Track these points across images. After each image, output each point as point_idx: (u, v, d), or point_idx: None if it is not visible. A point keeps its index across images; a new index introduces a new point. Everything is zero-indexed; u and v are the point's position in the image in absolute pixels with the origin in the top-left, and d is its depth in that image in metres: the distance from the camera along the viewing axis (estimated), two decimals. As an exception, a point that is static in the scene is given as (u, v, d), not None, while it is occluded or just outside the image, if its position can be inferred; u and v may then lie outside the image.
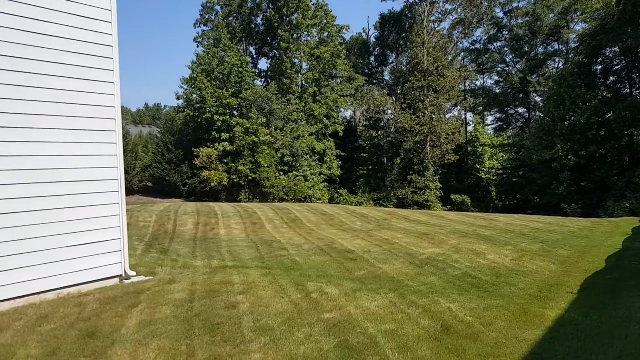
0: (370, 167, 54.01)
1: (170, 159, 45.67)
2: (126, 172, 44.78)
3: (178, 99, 50.34)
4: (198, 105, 45.82)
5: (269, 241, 15.17)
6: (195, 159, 44.19)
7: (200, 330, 6.37)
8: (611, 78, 42.27)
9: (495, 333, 6.76)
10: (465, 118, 61.11)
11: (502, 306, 8.21)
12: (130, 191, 45.68)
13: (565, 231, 18.18)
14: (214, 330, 6.39)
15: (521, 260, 12.59)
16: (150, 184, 47.68)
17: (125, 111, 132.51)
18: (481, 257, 12.95)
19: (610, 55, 40.80)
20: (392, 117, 49.70)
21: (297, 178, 44.70)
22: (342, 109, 54.47)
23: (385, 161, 52.91)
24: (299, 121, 46.58)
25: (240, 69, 45.87)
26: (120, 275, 8.91)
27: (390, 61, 59.14)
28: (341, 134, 48.64)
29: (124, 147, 44.28)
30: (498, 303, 8.43)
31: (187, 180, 45.52)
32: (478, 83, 61.13)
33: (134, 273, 9.22)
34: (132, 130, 64.14)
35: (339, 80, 52.55)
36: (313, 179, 45.66)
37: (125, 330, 6.31)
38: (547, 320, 7.50)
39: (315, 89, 49.69)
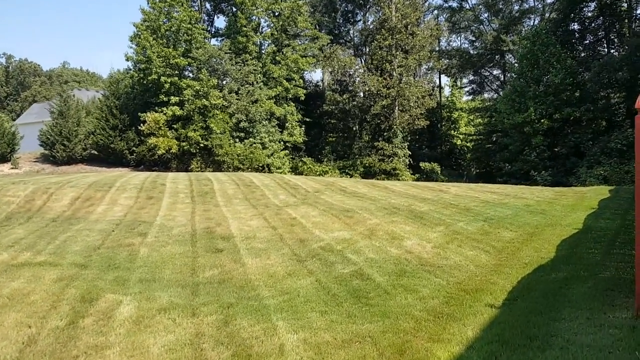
0: (339, 134, 50.65)
1: (115, 125, 41.77)
2: (67, 140, 41.32)
3: (127, 59, 46.17)
4: (143, 66, 41.78)
5: (140, 222, 11.95)
6: (141, 125, 40.50)
7: None
8: (589, 37, 39.00)
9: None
10: (440, 81, 57.79)
11: (371, 337, 5.19)
12: (73, 160, 42.04)
13: (520, 204, 15.18)
14: None
15: (446, 248, 9.54)
16: (95, 152, 43.93)
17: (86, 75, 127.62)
18: (396, 243, 9.88)
19: (588, 14, 37.51)
20: (358, 79, 46.09)
21: (254, 145, 41.26)
22: (307, 71, 50.67)
23: (354, 127, 49.49)
24: (256, 83, 42.86)
25: (189, 25, 41.78)
26: None
27: (358, 19, 55.17)
28: (303, 98, 44.95)
29: (63, 112, 40.57)
30: (369, 330, 5.41)
31: (134, 148, 41.82)
32: (453, 44, 57.64)
33: None
34: (78, 95, 59.88)
35: (302, 40, 48.60)
36: (272, 147, 42.23)
37: None
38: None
39: (275, 48, 45.82)
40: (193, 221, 12.19)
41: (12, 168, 39.34)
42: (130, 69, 45.47)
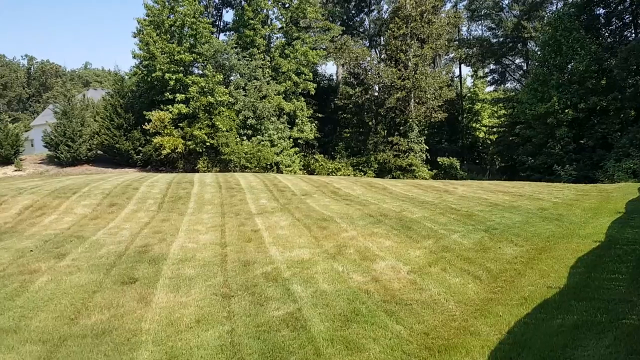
0: (353, 130, 48.39)
1: (120, 124, 40.39)
2: (72, 140, 40.05)
3: (134, 57, 44.78)
4: (147, 63, 40.28)
5: (75, 238, 10.15)
6: (147, 124, 39.01)
7: None
8: (615, 22, 35.94)
9: None
10: (460, 71, 55.06)
11: None
12: (78, 161, 40.79)
13: (533, 208, 12.94)
14: None
15: (426, 273, 7.50)
16: (100, 153, 42.66)
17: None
18: (363, 266, 7.88)
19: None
20: (372, 71, 43.75)
21: (262, 143, 39.41)
22: (319, 65, 48.65)
23: (369, 122, 47.16)
24: (264, 78, 40.98)
25: (194, 19, 40.08)
26: None
27: (373, 8, 52.81)
28: (313, 92, 42.84)
29: (67, 112, 39.41)
30: None
31: (140, 148, 40.38)
32: (474, 33, 54.89)
33: None
34: (93, 94, 58.98)
35: (313, 32, 46.42)
36: (281, 144, 40.32)
37: None
38: None
39: (284, 41, 43.87)
40: (136, 236, 10.34)
41: (16, 170, 38.34)
42: (134, 66, 44.08)
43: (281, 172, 39.07)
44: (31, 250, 9.31)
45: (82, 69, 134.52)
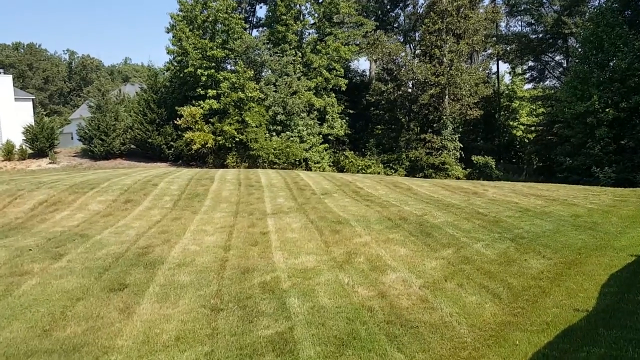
0: (385, 127, 47.39)
1: (153, 119, 40.59)
2: (105, 134, 40.41)
3: (168, 52, 44.96)
4: (179, 58, 40.31)
5: (79, 236, 9.84)
6: (178, 119, 39.05)
7: None
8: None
9: None
10: (498, 68, 53.39)
11: None
12: (111, 155, 41.16)
13: (566, 214, 12.03)
14: None
15: (440, 288, 6.83)
16: (133, 147, 42.97)
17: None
18: (372, 278, 7.25)
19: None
20: (405, 66, 42.69)
21: (291, 139, 38.93)
22: (351, 61, 47.81)
23: (402, 119, 46.07)
24: (294, 74, 40.45)
25: (226, 15, 39.86)
26: None
27: (408, 2, 51.63)
28: (344, 88, 42.06)
29: (101, 106, 39.84)
30: None
31: (171, 143, 40.50)
32: (513, 29, 53.10)
33: None
34: (130, 89, 59.63)
35: (346, 28, 45.59)
36: (310, 140, 39.75)
37: None
38: None
39: (316, 37, 43.26)
40: (141, 236, 9.95)
41: (50, 163, 38.92)
42: (168, 62, 44.17)
43: (310, 169, 38.56)
44: (30, 249, 9.02)
45: (122, 64, 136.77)
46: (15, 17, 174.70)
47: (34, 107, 57.77)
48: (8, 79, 55.63)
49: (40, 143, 40.22)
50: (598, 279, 7.33)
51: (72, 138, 57.30)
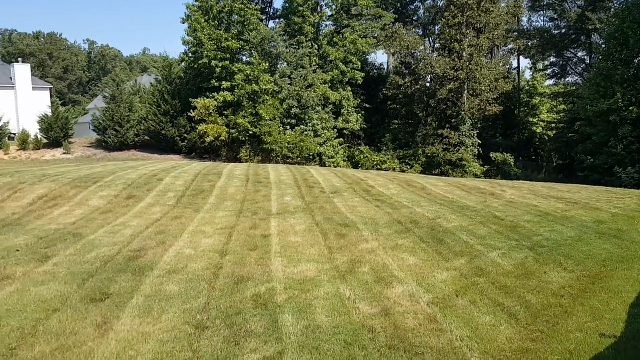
0: (402, 122, 46.49)
1: (167, 111, 40.26)
2: (119, 125, 40.17)
3: (183, 43, 44.56)
4: (194, 49, 39.89)
5: (72, 235, 9.38)
6: (192, 111, 38.66)
7: None
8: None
9: None
10: (519, 63, 52.10)
11: None
12: (125, 146, 40.93)
13: (589, 220, 11.30)
14: None
15: (450, 306, 6.23)
16: (147, 138, 42.73)
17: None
18: (376, 291, 6.67)
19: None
20: (424, 60, 41.75)
21: (305, 133, 38.35)
22: (368, 54, 47.00)
23: (419, 113, 45.13)
24: (310, 67, 39.80)
25: (242, 6, 39.29)
26: None
27: (428, -5, 50.60)
28: (361, 82, 41.29)
29: (116, 97, 39.63)
30: None
31: (185, 135, 40.16)
32: (536, 24, 51.75)
33: None
34: (147, 80, 59.52)
35: (364, 20, 44.70)
36: (325, 134, 39.13)
37: None
38: None
39: (333, 29, 42.54)
40: (136, 237, 9.46)
41: (65, 153, 38.83)
42: (183, 53, 43.79)
43: (324, 164, 37.98)
44: (17, 250, 8.57)
45: (141, 54, 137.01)
46: (37, 7, 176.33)
47: (52, 97, 57.96)
48: (26, 68, 55.81)
49: (55, 133, 40.15)
50: (626, 297, 6.65)
51: (89, 128, 57.43)
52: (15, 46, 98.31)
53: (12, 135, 43.60)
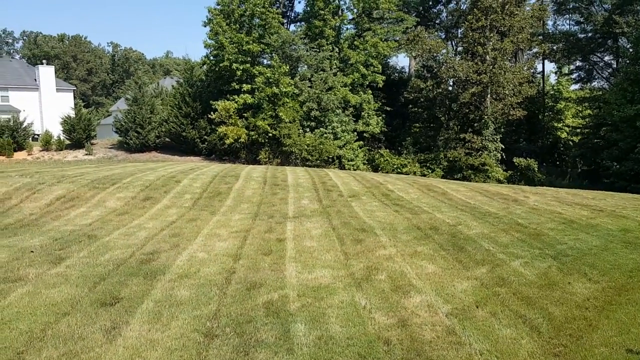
0: (423, 125, 45.98)
1: (188, 113, 40.48)
2: (141, 127, 40.47)
3: (205, 46, 44.83)
4: (215, 52, 40.05)
5: (87, 237, 9.30)
6: (212, 113, 38.78)
7: None
8: None
9: None
10: (544, 67, 51.29)
11: None
12: (146, 147, 41.25)
13: (615, 228, 10.92)
14: None
15: (469, 317, 5.98)
16: (168, 140, 42.99)
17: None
18: (393, 301, 6.43)
19: None
20: (446, 63, 41.29)
21: (325, 136, 38.18)
22: (390, 57, 46.66)
23: (441, 117, 44.61)
24: (330, 70, 39.65)
25: (263, 9, 39.32)
26: None
27: (450, -2, 50.11)
28: (381, 85, 40.99)
29: (137, 99, 39.93)
30: None
31: (205, 137, 40.32)
32: (561, 28, 50.93)
33: None
34: (169, 82, 60.01)
35: (386, 24, 44.37)
36: (344, 137, 38.92)
37: None
38: None
39: (354, 32, 42.36)
40: (150, 239, 9.37)
41: (86, 154, 39.23)
42: (204, 56, 44.01)
43: (343, 167, 37.78)
44: (32, 251, 8.52)
45: (164, 57, 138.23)
46: (62, 9, 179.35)
47: (75, 98, 58.71)
48: (50, 70, 56.69)
49: (77, 134, 40.60)
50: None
51: (112, 130, 58.12)
52: (40, 48, 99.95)
53: (36, 136, 44.26)
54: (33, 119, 43.87)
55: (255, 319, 5.83)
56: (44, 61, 62.07)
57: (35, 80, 54.74)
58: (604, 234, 10.48)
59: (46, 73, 55.05)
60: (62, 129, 41.21)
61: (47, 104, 53.54)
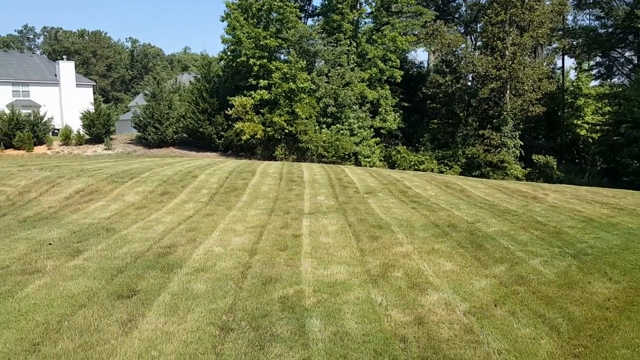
0: (441, 121, 45.52)
1: (205, 109, 40.63)
2: (159, 122, 40.73)
3: (223, 42, 44.91)
4: (233, 47, 40.09)
5: (105, 229, 9.37)
6: (229, 109, 38.87)
7: None
8: None
9: None
10: (563, 63, 50.59)
11: None
12: (164, 143, 41.50)
13: (636, 227, 10.80)
14: None
15: (488, 316, 5.91)
16: (185, 136, 43.23)
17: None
18: (409, 298, 6.37)
19: None
20: (465, 58, 40.90)
21: (341, 132, 38.04)
22: (408, 52, 46.32)
23: (459, 113, 44.13)
24: (348, 65, 39.46)
25: (281, 4, 39.26)
26: None
27: (470, -8, 49.54)
28: (399, 80, 40.67)
29: (156, 94, 40.17)
30: None
31: (222, 133, 40.44)
32: (581, 23, 50.13)
33: None
34: (187, 78, 60.36)
35: (404, 17, 44.02)
36: (361, 133, 38.74)
37: None
38: None
39: (372, 26, 42.12)
40: (168, 233, 9.42)
41: (105, 149, 39.58)
42: (221, 52, 44.09)
43: (359, 163, 37.62)
44: (50, 244, 8.61)
45: (182, 53, 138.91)
46: (82, 5, 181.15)
47: (95, 94, 59.35)
48: (70, 65, 57.31)
49: (96, 129, 40.97)
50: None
51: (131, 125, 58.66)
52: (60, 44, 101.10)
53: (56, 131, 44.81)
54: (53, 113, 44.42)
55: (270, 313, 5.81)
56: (64, 56, 62.71)
57: (56, 75, 55.40)
58: (624, 233, 10.29)
59: (66, 68, 55.69)
60: (81, 123, 41.64)
61: (67, 99, 54.18)
